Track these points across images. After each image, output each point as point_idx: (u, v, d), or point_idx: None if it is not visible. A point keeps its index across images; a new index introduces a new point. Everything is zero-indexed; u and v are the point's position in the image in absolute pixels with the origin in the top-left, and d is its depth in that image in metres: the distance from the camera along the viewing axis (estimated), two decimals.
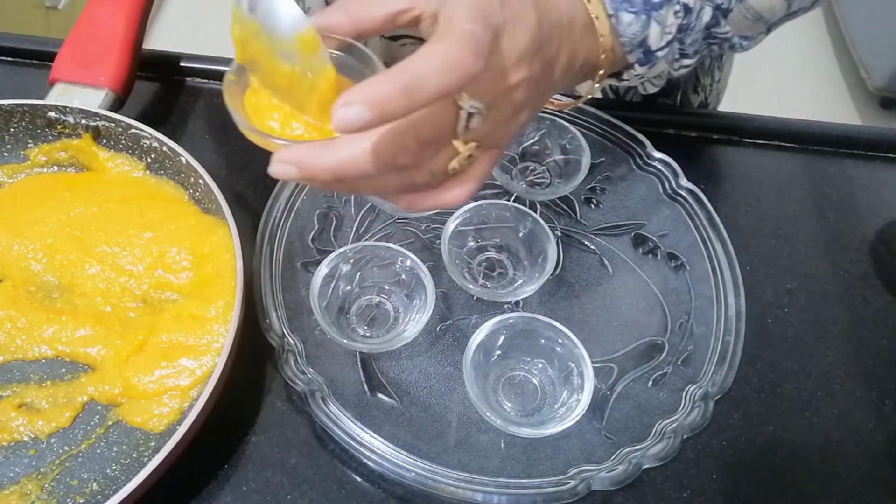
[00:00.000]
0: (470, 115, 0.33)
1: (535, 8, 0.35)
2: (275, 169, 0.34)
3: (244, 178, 0.56)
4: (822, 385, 0.50)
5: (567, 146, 0.57)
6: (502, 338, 0.47)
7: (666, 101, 0.69)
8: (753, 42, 0.45)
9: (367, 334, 0.49)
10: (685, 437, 0.45)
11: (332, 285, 0.49)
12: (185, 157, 0.49)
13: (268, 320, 0.47)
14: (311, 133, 0.37)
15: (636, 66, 0.41)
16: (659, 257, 0.54)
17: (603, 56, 0.39)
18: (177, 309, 0.47)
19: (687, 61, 0.43)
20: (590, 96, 0.43)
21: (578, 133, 0.56)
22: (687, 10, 0.40)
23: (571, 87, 0.43)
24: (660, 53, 0.41)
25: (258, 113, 0.37)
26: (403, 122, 0.32)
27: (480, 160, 0.36)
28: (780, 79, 1.93)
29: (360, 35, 0.35)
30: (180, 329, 0.45)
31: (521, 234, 0.53)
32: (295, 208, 0.53)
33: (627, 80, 0.42)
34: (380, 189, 0.36)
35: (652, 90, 0.45)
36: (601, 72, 0.40)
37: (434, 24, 0.33)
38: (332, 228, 0.54)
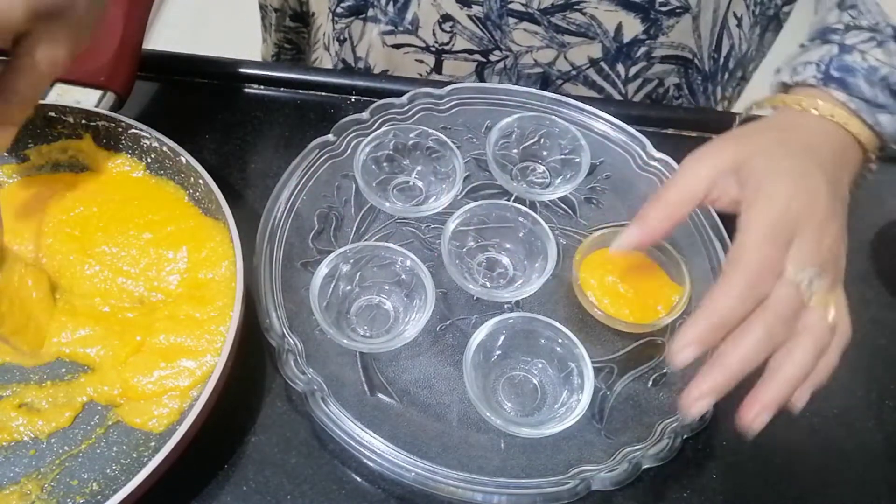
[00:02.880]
0: (809, 282, 0.39)
1: (823, 178, 0.41)
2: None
3: (244, 178, 0.56)
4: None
5: (567, 146, 0.57)
6: (502, 338, 0.47)
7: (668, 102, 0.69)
8: None
9: (367, 334, 0.49)
10: (685, 437, 0.45)
11: (332, 285, 0.49)
12: (185, 157, 0.49)
13: (268, 320, 0.47)
14: None
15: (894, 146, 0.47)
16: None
17: (873, 167, 0.47)
18: (176, 310, 0.47)
19: None
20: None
21: (578, 133, 0.56)
22: None
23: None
24: None
25: None
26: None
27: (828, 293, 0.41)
28: None
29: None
30: (179, 330, 0.45)
31: (521, 234, 0.53)
32: (295, 208, 0.53)
33: (883, 155, 0.48)
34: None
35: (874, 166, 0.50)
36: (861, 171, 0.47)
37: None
38: (332, 228, 0.54)
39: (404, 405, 0.46)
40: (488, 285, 0.52)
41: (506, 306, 0.51)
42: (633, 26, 0.62)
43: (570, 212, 0.56)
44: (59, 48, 0.38)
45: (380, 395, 0.46)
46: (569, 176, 0.56)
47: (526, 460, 0.44)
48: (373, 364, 0.48)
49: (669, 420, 0.46)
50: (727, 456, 0.46)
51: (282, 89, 0.62)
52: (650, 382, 0.48)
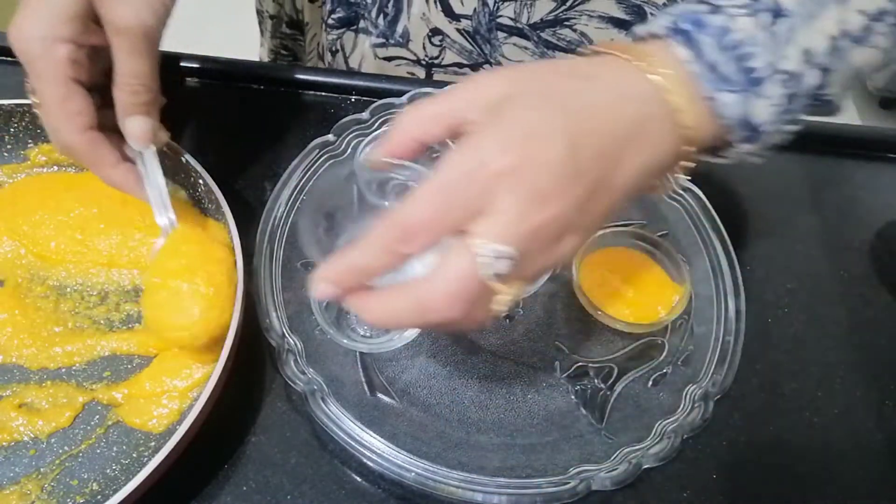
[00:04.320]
0: (493, 262, 0.32)
1: (564, 135, 0.32)
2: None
3: (244, 178, 0.56)
4: (822, 385, 0.50)
5: None
6: None
7: None
8: (842, 98, 0.40)
9: (367, 334, 0.49)
10: (685, 437, 0.45)
11: None
12: (185, 157, 0.49)
13: (268, 320, 0.47)
14: None
15: (740, 144, 0.37)
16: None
17: (687, 148, 0.36)
18: None
19: (791, 127, 0.38)
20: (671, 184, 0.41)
21: None
22: (792, 78, 0.35)
23: (655, 183, 0.39)
24: (768, 128, 0.36)
25: None
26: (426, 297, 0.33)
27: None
28: None
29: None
30: None
31: None
32: (295, 208, 0.53)
33: (726, 157, 0.38)
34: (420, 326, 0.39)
35: (756, 161, 0.40)
36: (683, 163, 0.37)
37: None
38: (332, 228, 0.53)
39: (404, 405, 0.46)
40: None
41: None
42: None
43: None
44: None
45: (380, 395, 0.46)
46: None
47: (526, 460, 0.44)
48: (373, 364, 0.48)
49: (669, 420, 0.46)
50: (727, 456, 0.46)
51: (282, 89, 0.62)
52: (650, 382, 0.48)
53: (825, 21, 0.36)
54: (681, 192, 0.56)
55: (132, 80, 0.41)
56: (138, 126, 0.42)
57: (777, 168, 0.62)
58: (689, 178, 0.56)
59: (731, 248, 0.53)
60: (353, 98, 0.62)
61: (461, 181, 0.31)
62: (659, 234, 0.54)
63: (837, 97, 0.39)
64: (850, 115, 1.87)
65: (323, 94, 0.62)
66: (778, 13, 0.35)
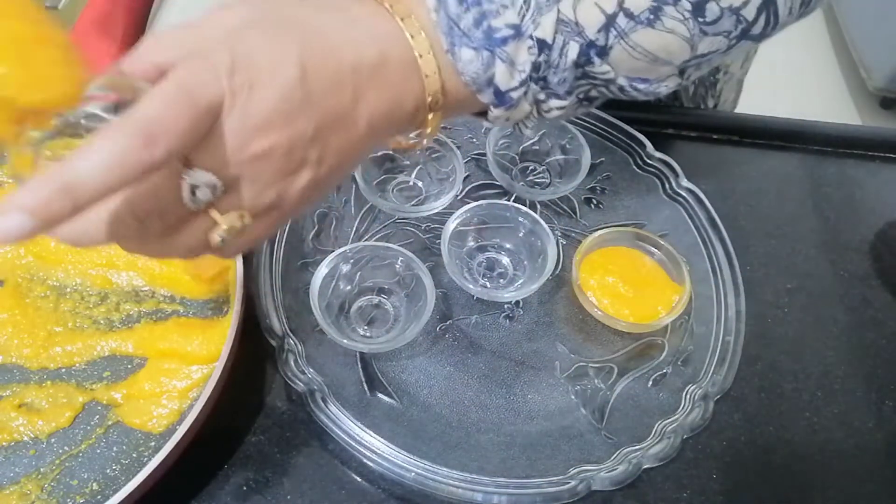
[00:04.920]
0: (194, 186, 0.29)
1: (297, 60, 0.30)
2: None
3: None
4: (822, 385, 0.50)
5: (567, 146, 0.57)
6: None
7: (667, 102, 0.69)
8: (658, 85, 0.38)
9: (367, 334, 0.49)
10: (685, 437, 0.45)
11: (332, 285, 0.49)
12: None
13: (268, 320, 0.47)
14: None
15: (491, 107, 0.36)
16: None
17: (430, 98, 0.34)
18: (177, 311, 0.47)
19: (559, 102, 0.37)
20: (425, 139, 0.38)
21: (578, 133, 0.56)
22: (543, 45, 0.34)
23: (406, 133, 0.37)
24: (514, 94, 0.35)
25: None
26: (120, 195, 0.28)
27: (253, 227, 0.32)
28: (780, 79, 1.93)
29: None
30: (180, 331, 0.45)
31: (521, 234, 0.53)
32: None
33: (491, 121, 0.37)
34: (138, 253, 0.32)
35: (528, 132, 0.39)
36: (430, 115, 0.35)
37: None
38: (332, 228, 0.54)
39: (404, 405, 0.46)
40: (488, 285, 0.52)
41: (506, 306, 0.51)
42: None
43: (570, 212, 0.56)
44: None
45: (380, 395, 0.46)
46: (569, 176, 0.56)
47: (526, 460, 0.44)
48: (373, 364, 0.48)
49: (669, 420, 0.46)
50: (727, 456, 0.46)
51: None
52: (650, 382, 0.48)
53: None
54: (681, 192, 0.56)
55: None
56: None
57: (777, 168, 0.62)
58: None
59: (731, 248, 0.53)
60: None
61: (194, 89, 0.28)
62: (659, 234, 0.54)
63: (632, 81, 0.37)
64: (850, 115, 1.88)
65: None
66: None
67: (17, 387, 0.44)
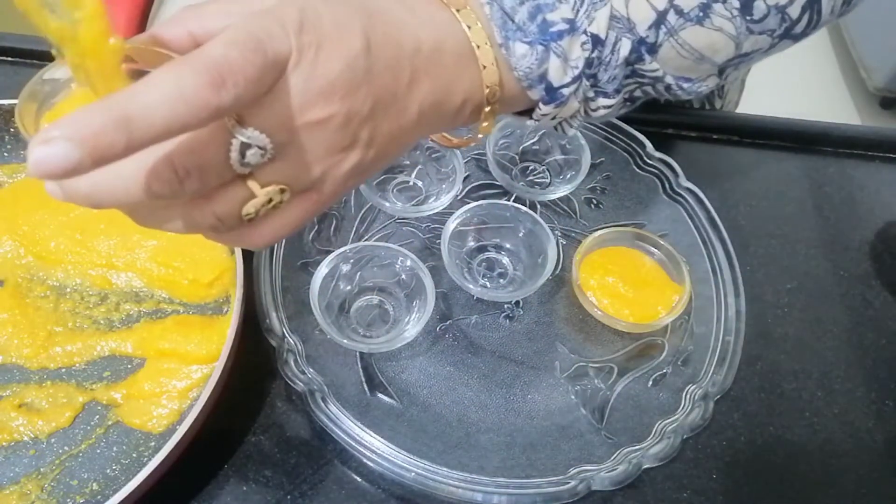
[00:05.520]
0: (245, 146, 0.27)
1: (362, 32, 0.29)
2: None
3: None
4: (822, 385, 0.50)
5: (567, 146, 0.57)
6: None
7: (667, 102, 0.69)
8: (700, 84, 0.38)
9: (367, 334, 0.49)
10: (685, 437, 0.45)
11: (332, 285, 0.49)
12: None
13: (268, 320, 0.47)
14: None
15: (540, 104, 0.35)
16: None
17: (487, 90, 0.33)
18: (177, 310, 0.47)
19: (606, 101, 0.36)
20: (481, 135, 0.37)
21: (578, 133, 0.56)
22: (597, 41, 0.34)
23: (456, 127, 0.36)
24: (566, 91, 0.34)
25: None
26: (164, 145, 0.26)
27: (289, 207, 0.30)
28: (780, 79, 1.93)
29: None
30: (180, 331, 0.45)
31: (521, 234, 0.53)
32: None
33: (537, 119, 0.36)
34: (156, 225, 0.30)
35: (570, 132, 0.39)
36: (486, 109, 0.34)
37: None
38: (332, 228, 0.54)
39: (404, 405, 0.46)
40: (488, 285, 0.52)
41: (506, 306, 0.51)
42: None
43: (570, 212, 0.56)
44: None
45: (380, 395, 0.46)
46: (569, 176, 0.56)
47: (526, 460, 0.44)
48: (373, 364, 0.48)
49: (669, 420, 0.46)
50: (727, 456, 0.46)
51: None
52: (650, 382, 0.48)
53: None
54: (681, 192, 0.56)
55: None
56: None
57: (777, 168, 0.62)
58: (688, 179, 0.56)
59: (731, 248, 0.53)
60: None
61: (263, 39, 0.26)
62: (659, 234, 0.54)
63: (679, 80, 0.37)
64: (850, 115, 1.87)
65: None
66: None
67: (17, 387, 0.44)
